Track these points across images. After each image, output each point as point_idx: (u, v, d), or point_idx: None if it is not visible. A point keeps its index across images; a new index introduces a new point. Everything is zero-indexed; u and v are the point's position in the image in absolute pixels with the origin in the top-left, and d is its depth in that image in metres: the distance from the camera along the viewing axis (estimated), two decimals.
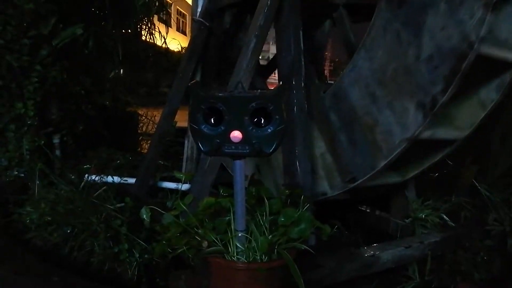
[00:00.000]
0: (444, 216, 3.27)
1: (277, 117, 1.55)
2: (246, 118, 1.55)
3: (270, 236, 1.71)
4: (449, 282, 2.92)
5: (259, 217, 1.78)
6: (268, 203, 1.79)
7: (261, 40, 2.84)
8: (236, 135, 1.56)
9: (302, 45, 2.87)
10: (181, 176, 2.03)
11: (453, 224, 3.26)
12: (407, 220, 3.19)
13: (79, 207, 2.95)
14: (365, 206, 3.67)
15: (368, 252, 2.64)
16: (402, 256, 2.75)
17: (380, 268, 2.66)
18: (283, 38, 2.88)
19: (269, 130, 1.56)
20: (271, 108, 1.54)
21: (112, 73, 5.56)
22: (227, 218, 1.78)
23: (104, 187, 3.14)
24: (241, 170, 1.64)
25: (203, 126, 1.59)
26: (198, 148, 1.61)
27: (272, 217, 1.78)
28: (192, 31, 3.75)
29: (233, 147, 1.57)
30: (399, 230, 3.23)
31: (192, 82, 1.60)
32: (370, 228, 3.52)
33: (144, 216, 1.85)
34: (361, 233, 3.41)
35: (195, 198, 2.09)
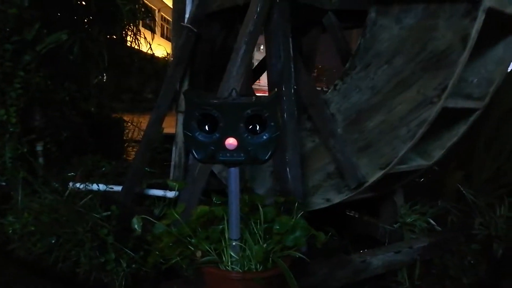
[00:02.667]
0: (431, 221, 3.29)
1: (272, 123, 1.52)
2: (241, 125, 1.52)
3: (265, 245, 1.67)
4: (438, 286, 2.93)
5: (253, 225, 1.75)
6: (262, 211, 1.75)
7: (251, 47, 2.81)
8: (231, 142, 1.53)
9: (291, 51, 2.86)
10: (174, 184, 1.97)
11: (440, 229, 3.29)
12: (395, 225, 3.20)
13: (64, 216, 2.87)
14: (352, 211, 3.67)
15: (359, 258, 2.63)
16: (392, 261, 2.75)
17: (370, 273, 2.65)
18: (272, 44, 2.86)
19: (264, 137, 1.53)
20: (266, 114, 1.51)
21: (96, 79, 5.50)
22: (221, 226, 1.74)
23: (90, 195, 3.06)
24: (236, 178, 1.60)
25: (197, 133, 1.55)
26: (192, 155, 1.57)
27: (266, 225, 1.75)
28: (172, 37, 3.72)
29: (228, 154, 1.54)
30: (387, 235, 3.23)
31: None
32: (357, 233, 3.51)
33: (136, 226, 1.79)
34: (349, 238, 3.41)
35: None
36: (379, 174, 2.63)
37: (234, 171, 1.60)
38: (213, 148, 1.53)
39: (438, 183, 3.71)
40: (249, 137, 1.53)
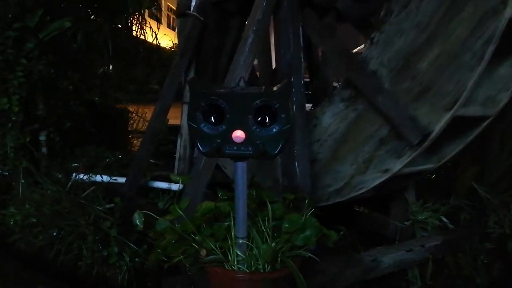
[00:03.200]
0: (444, 219, 3.19)
1: (283, 115, 1.42)
2: (250, 116, 1.42)
3: (273, 244, 1.58)
4: (450, 286, 2.83)
5: (261, 223, 1.65)
6: (270, 207, 1.66)
7: (259, 36, 2.70)
8: (238, 135, 1.43)
9: (301, 41, 2.74)
10: (178, 179, 1.88)
11: (453, 227, 3.18)
12: (406, 223, 3.09)
13: (66, 208, 2.80)
14: (362, 208, 3.57)
15: (369, 256, 2.53)
16: (403, 260, 2.64)
17: (381, 272, 2.55)
18: (282, 34, 2.75)
19: (274, 130, 1.43)
20: (276, 106, 1.41)
21: (102, 69, 5.41)
22: (227, 223, 1.65)
23: (93, 187, 2.98)
24: (243, 172, 1.51)
25: (203, 125, 1.45)
26: (197, 148, 1.47)
27: (275, 223, 1.65)
28: (178, 26, 3.60)
29: (235, 148, 1.44)
30: (398, 232, 3.13)
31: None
32: (366, 230, 3.41)
33: (137, 221, 1.70)
34: (358, 235, 3.31)
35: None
36: (447, 117, 2.28)
37: (241, 166, 1.50)
38: (219, 141, 1.44)
39: (451, 180, 3.59)
40: (258, 129, 1.43)
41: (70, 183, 3.09)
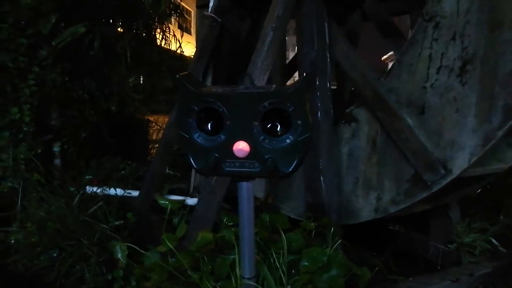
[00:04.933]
0: (494, 241, 2.71)
1: (299, 122, 1.05)
2: (256, 123, 1.06)
3: (289, 286, 1.21)
4: None
5: (274, 257, 1.29)
6: (286, 238, 1.29)
7: (280, 33, 2.36)
8: (241, 147, 1.07)
9: (327, 38, 2.37)
10: (166, 204, 1.54)
11: (504, 250, 2.70)
12: (451, 246, 2.63)
13: (70, 226, 2.52)
14: (397, 226, 3.13)
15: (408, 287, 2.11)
16: None
17: None
18: (305, 30, 2.39)
19: (287, 141, 1.07)
20: (290, 109, 1.05)
21: (132, 80, 5.21)
22: (231, 257, 1.30)
23: (100, 203, 2.70)
24: (248, 195, 1.15)
25: (196, 134, 1.11)
26: (190, 164, 1.13)
27: (291, 258, 1.28)
28: (198, 28, 3.30)
29: (237, 164, 1.08)
30: (440, 256, 2.68)
31: (182, 73, 1.12)
32: (403, 251, 2.96)
33: (119, 255, 1.37)
34: (393, 257, 2.87)
35: (198, 223, 1.61)
36: None
37: (246, 187, 1.14)
38: (217, 155, 1.09)
39: (498, 197, 3.10)
40: (267, 140, 1.07)
41: (78, 197, 2.82)
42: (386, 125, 2.27)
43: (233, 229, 1.36)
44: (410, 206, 2.31)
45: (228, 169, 1.09)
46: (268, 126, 1.08)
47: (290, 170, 1.07)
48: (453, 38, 2.06)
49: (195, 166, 1.12)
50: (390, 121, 2.24)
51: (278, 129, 1.08)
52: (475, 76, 2.01)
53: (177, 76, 1.11)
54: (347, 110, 2.46)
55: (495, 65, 1.95)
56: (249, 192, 1.14)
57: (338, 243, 1.33)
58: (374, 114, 2.32)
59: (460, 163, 2.09)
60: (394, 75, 2.26)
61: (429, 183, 2.16)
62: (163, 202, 1.54)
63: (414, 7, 2.83)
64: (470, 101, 2.03)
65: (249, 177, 1.12)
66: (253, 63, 2.33)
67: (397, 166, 2.31)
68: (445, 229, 2.71)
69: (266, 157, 1.07)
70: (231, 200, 2.46)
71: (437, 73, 2.12)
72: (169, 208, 1.52)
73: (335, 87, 3.48)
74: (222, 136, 1.09)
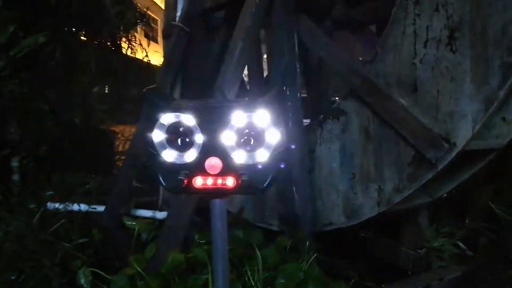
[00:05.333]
0: (461, 245, 2.77)
1: (272, 135, 1.02)
2: (229, 138, 1.02)
3: None
4: None
5: (249, 275, 1.24)
6: (261, 254, 1.24)
7: (249, 44, 2.33)
8: (213, 163, 1.02)
9: (296, 49, 2.36)
10: (132, 224, 1.46)
11: (471, 253, 2.76)
12: (420, 251, 2.67)
13: (29, 246, 2.37)
14: (369, 233, 3.14)
15: None
16: None
17: None
18: (274, 40, 2.37)
19: (261, 155, 1.03)
20: (263, 123, 1.01)
21: (96, 90, 5.03)
22: (204, 277, 1.23)
23: (62, 221, 2.56)
24: (222, 212, 1.10)
25: (165, 150, 1.05)
26: (159, 183, 1.07)
27: (267, 274, 1.24)
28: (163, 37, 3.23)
29: (209, 180, 1.03)
30: (410, 262, 2.70)
31: (150, 86, 1.06)
32: (374, 257, 2.98)
33: (82, 281, 1.28)
34: (365, 264, 2.87)
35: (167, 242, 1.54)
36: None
37: (218, 204, 1.09)
38: (187, 172, 1.03)
39: (465, 200, 3.18)
40: (240, 155, 1.03)
41: (38, 215, 2.66)
42: (378, 109, 2.19)
43: (205, 247, 1.29)
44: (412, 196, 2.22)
45: (200, 186, 1.03)
46: (242, 140, 1.04)
47: (265, 185, 1.03)
48: (436, 9, 2.03)
49: (164, 185, 1.05)
50: (383, 105, 2.17)
51: (252, 143, 1.04)
52: (465, 42, 1.96)
53: (145, 89, 1.05)
54: (333, 105, 2.42)
55: (484, 27, 1.92)
56: (222, 209, 1.09)
57: (314, 257, 1.30)
58: (364, 102, 2.25)
59: (463, 134, 2.01)
60: (379, 59, 2.22)
61: (433, 161, 2.07)
62: (130, 223, 1.45)
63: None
64: (464, 68, 1.98)
65: (222, 194, 1.07)
66: (222, 75, 2.28)
67: (395, 151, 2.22)
68: (415, 234, 2.74)
69: (239, 173, 1.02)
70: (202, 212, 2.40)
71: (425, 47, 2.08)
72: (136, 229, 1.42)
73: (305, 95, 3.47)
74: (193, 152, 1.03)
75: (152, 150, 1.05)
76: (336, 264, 2.23)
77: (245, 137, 1.04)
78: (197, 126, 1.03)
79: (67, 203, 3.12)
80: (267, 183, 1.03)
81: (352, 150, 2.33)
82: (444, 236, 2.74)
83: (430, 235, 2.70)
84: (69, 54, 3.77)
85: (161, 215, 3.06)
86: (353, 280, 1.56)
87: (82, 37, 4.19)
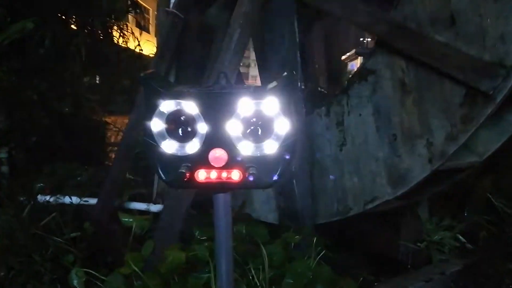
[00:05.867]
0: (461, 238, 2.73)
1: (282, 124, 0.93)
2: (235, 127, 0.93)
3: None
4: None
5: (254, 273, 1.16)
6: (267, 252, 1.16)
7: (247, 31, 2.23)
8: (218, 155, 0.93)
9: (297, 37, 2.27)
10: (130, 221, 1.37)
11: (471, 247, 2.72)
12: (420, 244, 2.62)
13: (19, 240, 2.27)
14: (368, 225, 3.08)
15: None
16: None
17: None
18: (274, 27, 2.28)
19: (271, 146, 0.94)
20: (274, 111, 0.92)
21: (87, 80, 4.90)
22: (206, 275, 1.15)
23: (53, 214, 2.46)
24: (226, 208, 1.02)
25: (165, 141, 0.96)
26: (158, 176, 0.98)
27: (273, 273, 1.16)
28: (158, 26, 3.11)
29: (213, 174, 0.95)
30: (410, 255, 2.66)
31: (146, 71, 0.96)
32: (373, 250, 2.92)
33: (75, 282, 1.20)
34: (362, 256, 2.82)
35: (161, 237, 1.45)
36: None
37: (223, 199, 1.01)
38: (189, 165, 0.94)
39: (464, 192, 3.13)
40: (247, 146, 0.94)
41: (28, 208, 2.55)
42: (415, 54, 1.97)
43: (206, 244, 1.21)
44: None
45: (203, 180, 0.95)
46: (249, 130, 0.95)
47: (275, 178, 0.94)
48: None
49: (164, 179, 0.96)
50: (419, 47, 1.96)
51: (260, 133, 0.95)
52: None
53: (141, 75, 0.95)
54: (358, 68, 2.22)
55: None
56: (226, 204, 1.01)
57: (322, 253, 1.22)
58: (396, 52, 2.04)
59: None
60: (404, 1, 2.02)
61: (490, 92, 1.83)
62: (126, 220, 1.36)
63: None
64: None
65: (228, 189, 0.99)
66: (220, 62, 2.19)
67: (441, 96, 1.98)
68: (414, 227, 2.69)
69: (247, 165, 0.93)
70: (198, 204, 2.31)
71: None
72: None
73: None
74: (195, 143, 0.94)
75: (150, 141, 0.96)
76: (344, 262, 2.16)
77: (253, 127, 0.95)
78: (200, 114, 0.93)
79: (58, 196, 3.02)
80: (276, 177, 0.95)
81: (388, 110, 2.09)
82: (444, 230, 2.69)
83: (431, 228, 2.65)
84: (59, 42, 3.62)
85: (155, 208, 2.97)
86: (361, 278, 1.49)
87: (73, 26, 4.04)
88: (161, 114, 0.95)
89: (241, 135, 0.94)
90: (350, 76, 2.26)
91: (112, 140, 4.49)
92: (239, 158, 0.94)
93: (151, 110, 0.95)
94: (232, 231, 1.03)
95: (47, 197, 3.01)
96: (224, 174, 0.95)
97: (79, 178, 3.30)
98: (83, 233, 2.59)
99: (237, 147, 0.94)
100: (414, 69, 2.03)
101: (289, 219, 2.14)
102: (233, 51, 2.17)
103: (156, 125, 0.95)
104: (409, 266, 2.63)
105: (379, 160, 2.18)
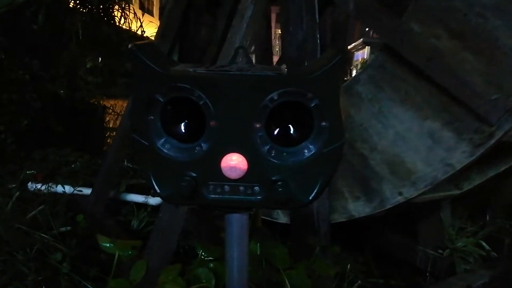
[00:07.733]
0: (485, 245, 2.48)
1: (325, 123, 0.66)
2: (258, 125, 0.65)
3: None
4: None
5: None
6: (289, 281, 0.90)
7: (260, 8, 1.94)
8: (234, 163, 0.66)
9: (317, 17, 1.98)
10: (107, 245, 1.10)
11: (496, 255, 2.48)
12: (443, 252, 2.37)
13: (1, 236, 2.02)
14: (384, 229, 2.83)
15: None
16: None
17: None
18: (290, 6, 1.98)
19: (307, 153, 0.66)
20: (313, 104, 0.65)
21: (88, 61, 4.63)
22: None
23: (41, 207, 2.21)
24: (242, 233, 0.75)
25: (162, 141, 0.68)
26: (152, 188, 0.72)
27: None
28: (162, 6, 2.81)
29: (226, 188, 0.68)
30: (430, 263, 2.41)
31: (139, 42, 0.68)
32: (384, 254, 2.69)
33: None
34: (376, 261, 2.58)
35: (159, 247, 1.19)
36: None
37: (238, 222, 0.73)
38: (195, 174, 0.67)
39: (486, 195, 2.88)
40: (274, 151, 0.67)
41: (14, 198, 2.30)
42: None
43: (211, 265, 0.95)
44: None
45: (213, 196, 0.67)
46: (277, 130, 0.67)
47: (312, 197, 0.67)
48: None
49: (159, 191, 0.70)
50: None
51: (293, 133, 0.68)
52: None
53: (131, 45, 0.67)
54: None
55: None
56: (243, 229, 0.74)
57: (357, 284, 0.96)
58: None
59: None
60: None
61: None
62: (107, 245, 1.09)
63: None
64: None
65: (245, 209, 0.72)
66: (228, 42, 1.91)
67: None
68: (436, 232, 2.44)
69: (273, 178, 0.66)
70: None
71: None
72: (116, 253, 1.01)
73: None
74: (203, 145, 0.67)
75: (140, 140, 0.69)
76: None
77: (282, 125, 0.68)
78: (210, 105, 0.66)
79: (50, 184, 2.78)
80: (314, 193, 0.68)
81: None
82: (467, 236, 2.44)
83: (454, 234, 2.40)
84: (54, 19, 3.33)
85: (154, 200, 2.74)
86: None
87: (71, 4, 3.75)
88: (156, 103, 0.67)
89: (266, 136, 0.66)
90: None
91: (111, 125, 4.23)
92: (263, 167, 0.67)
93: (142, 97, 0.67)
94: (248, 261, 0.77)
95: (38, 185, 2.77)
96: (241, 189, 0.67)
97: (73, 166, 3.05)
98: (74, 227, 2.36)
99: (261, 153, 0.66)
100: None
101: (302, 222, 1.89)
102: (244, 30, 1.88)
103: (150, 117, 0.68)
104: (427, 274, 2.39)
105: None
